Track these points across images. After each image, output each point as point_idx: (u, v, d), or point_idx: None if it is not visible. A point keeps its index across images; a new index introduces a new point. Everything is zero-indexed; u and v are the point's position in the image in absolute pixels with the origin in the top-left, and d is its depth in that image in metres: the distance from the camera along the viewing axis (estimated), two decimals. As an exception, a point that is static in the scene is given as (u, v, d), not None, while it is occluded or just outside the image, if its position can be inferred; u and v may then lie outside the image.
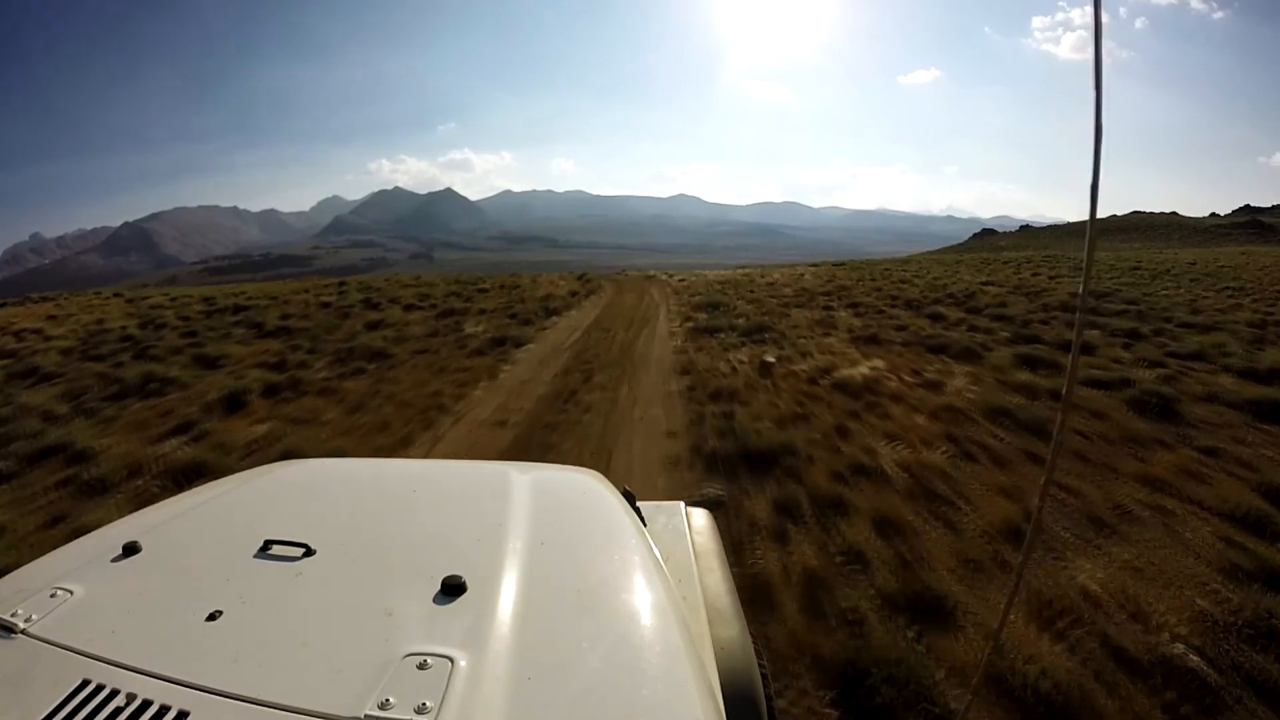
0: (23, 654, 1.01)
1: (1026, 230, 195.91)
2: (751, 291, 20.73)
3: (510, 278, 30.55)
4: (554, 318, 15.25)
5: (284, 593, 1.16)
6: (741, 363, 9.57)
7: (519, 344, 11.56)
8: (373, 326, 14.16)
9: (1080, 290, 0.98)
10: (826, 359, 9.54)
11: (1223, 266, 31.10)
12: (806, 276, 27.88)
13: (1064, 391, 1.01)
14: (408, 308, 18.01)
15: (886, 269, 35.05)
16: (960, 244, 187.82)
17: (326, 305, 19.46)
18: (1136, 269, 29.99)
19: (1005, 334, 11.62)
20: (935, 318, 13.85)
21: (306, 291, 25.56)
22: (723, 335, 11.76)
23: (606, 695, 0.93)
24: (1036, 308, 15.29)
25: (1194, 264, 33.74)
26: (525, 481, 1.69)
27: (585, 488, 1.77)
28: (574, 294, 21.05)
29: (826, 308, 16.00)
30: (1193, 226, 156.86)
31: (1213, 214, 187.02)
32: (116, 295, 27.67)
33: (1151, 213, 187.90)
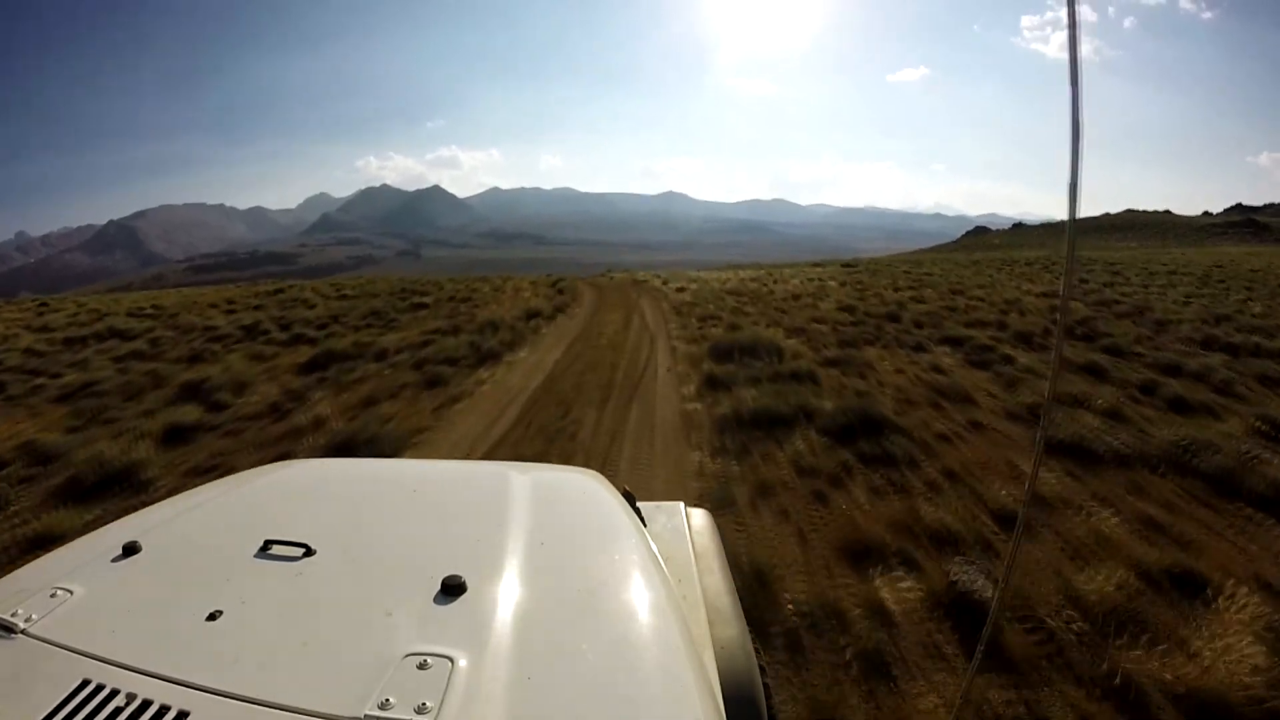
0: (23, 654, 1.00)
1: (1020, 228, 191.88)
2: (781, 311, 15.35)
3: (472, 283, 26.09)
4: (483, 370, 9.48)
5: (284, 593, 1.14)
6: (894, 582, 3.70)
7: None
8: (189, 393, 8.51)
9: (1061, 290, 0.96)
10: (1063, 554, 3.94)
11: (1254, 270, 29.55)
12: (831, 285, 22.81)
13: (1048, 389, 1.06)
14: (292, 341, 12.58)
15: (906, 270, 31.26)
16: (953, 241, 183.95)
17: (211, 329, 14.70)
18: (1173, 273, 27.64)
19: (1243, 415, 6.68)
20: (1096, 373, 8.48)
21: (230, 303, 21.09)
22: (795, 439, 5.94)
23: (606, 695, 0.92)
24: (1180, 341, 11.07)
25: (1220, 267, 32.02)
26: (525, 481, 1.68)
27: (585, 488, 1.74)
28: (533, 315, 15.17)
29: (917, 347, 10.45)
30: (1187, 225, 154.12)
31: (1205, 212, 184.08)
32: (42, 305, 24.75)
33: (1145, 211, 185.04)
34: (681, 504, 2.09)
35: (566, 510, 1.59)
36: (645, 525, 1.65)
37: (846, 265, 40.06)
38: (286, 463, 2.15)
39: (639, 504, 1.81)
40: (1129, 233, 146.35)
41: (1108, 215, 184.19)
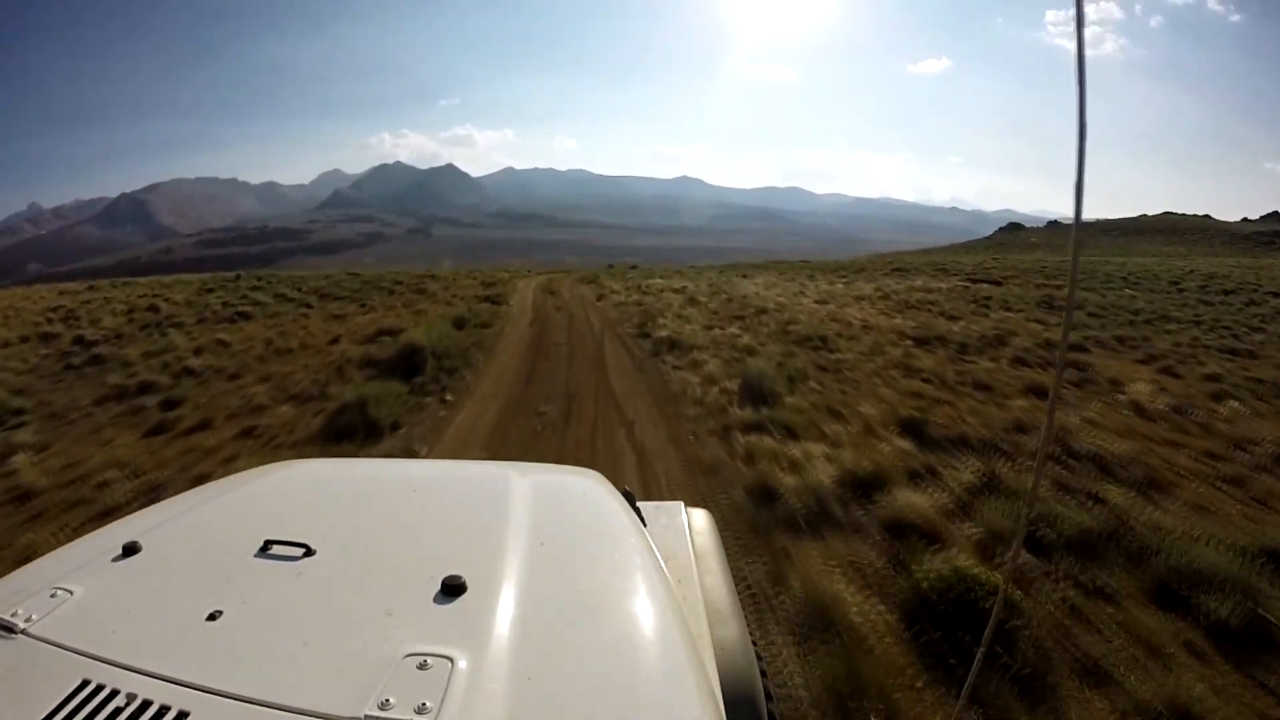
0: (23, 654, 1.00)
1: (1056, 226, 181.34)
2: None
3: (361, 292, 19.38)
4: None
5: (284, 593, 1.14)
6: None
7: None
8: None
9: (1068, 292, 0.99)
10: None
11: None
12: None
13: (1053, 381, 1.01)
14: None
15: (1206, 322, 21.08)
16: (987, 238, 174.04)
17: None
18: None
19: None
20: None
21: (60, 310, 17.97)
22: None
23: (606, 695, 0.91)
24: None
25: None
26: (525, 482, 1.67)
27: (585, 488, 1.74)
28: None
29: None
30: (1231, 232, 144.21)
31: (1244, 219, 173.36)
32: None
33: (1185, 215, 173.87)
34: (681, 504, 2.12)
35: (566, 510, 1.58)
36: (645, 525, 1.63)
37: (977, 279, 26.74)
38: (286, 463, 2.10)
39: (639, 504, 1.79)
40: (1172, 236, 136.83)
41: (1145, 217, 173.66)
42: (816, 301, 17.99)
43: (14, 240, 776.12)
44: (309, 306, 18.73)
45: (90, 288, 30.26)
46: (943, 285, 23.65)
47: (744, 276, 28.72)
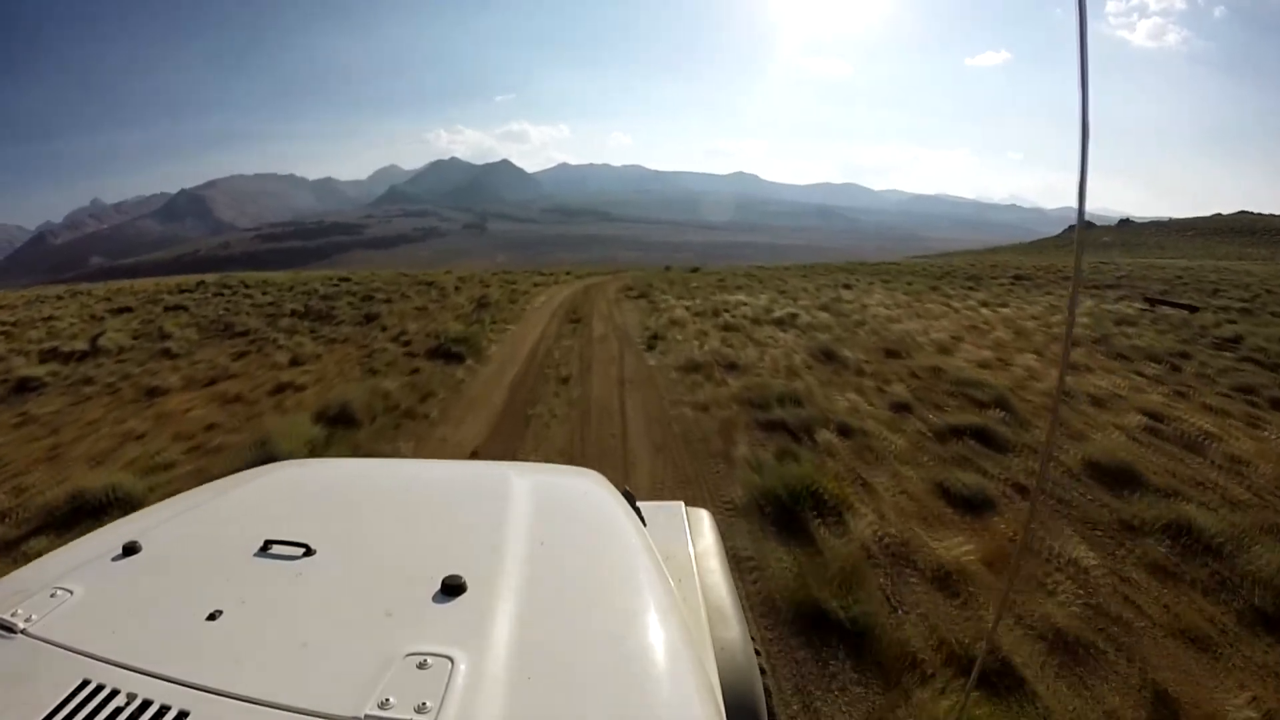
0: (23, 654, 0.99)
1: (1127, 224, 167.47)
2: None
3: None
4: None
5: (284, 593, 1.13)
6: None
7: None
8: None
9: (1070, 293, 1.03)
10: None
11: None
12: None
13: (1052, 406, 1.29)
14: None
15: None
16: (1055, 238, 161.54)
17: None
18: None
19: None
20: None
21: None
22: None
23: (606, 695, 0.91)
24: None
25: None
26: (525, 482, 1.64)
27: (585, 488, 1.72)
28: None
29: None
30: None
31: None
32: None
33: (1262, 214, 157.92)
34: (681, 504, 2.10)
35: (567, 510, 1.55)
36: (645, 525, 1.60)
37: (1153, 299, 18.06)
38: (286, 463, 2.09)
39: (639, 504, 1.76)
40: (1250, 237, 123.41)
41: (1219, 216, 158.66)
42: (1027, 349, 9.78)
43: (78, 234, 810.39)
44: (170, 356, 11.21)
45: (39, 299, 26.82)
46: (1124, 309, 15.08)
47: (846, 288, 20.38)
